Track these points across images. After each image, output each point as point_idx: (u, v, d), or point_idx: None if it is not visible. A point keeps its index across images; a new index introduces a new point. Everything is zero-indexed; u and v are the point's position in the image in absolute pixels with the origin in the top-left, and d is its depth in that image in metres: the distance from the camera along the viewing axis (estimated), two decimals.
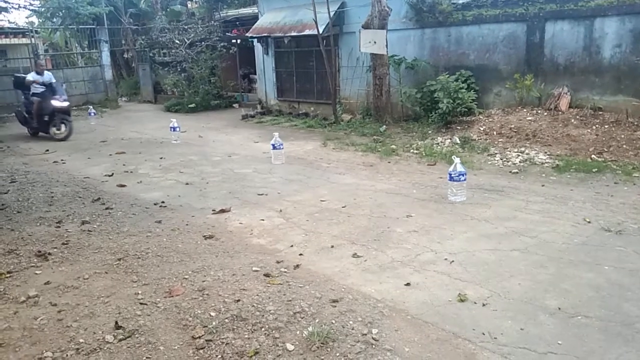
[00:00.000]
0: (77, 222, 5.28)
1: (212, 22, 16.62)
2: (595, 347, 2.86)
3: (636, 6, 7.73)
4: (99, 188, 6.74)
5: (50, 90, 11.12)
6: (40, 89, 11.15)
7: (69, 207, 5.84)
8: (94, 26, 17.49)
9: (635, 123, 7.64)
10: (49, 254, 4.36)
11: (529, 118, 8.50)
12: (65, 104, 11.23)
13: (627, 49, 7.92)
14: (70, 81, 16.44)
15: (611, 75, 8.15)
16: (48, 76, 11.52)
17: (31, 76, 11.34)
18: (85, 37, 18.31)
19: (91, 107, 14.66)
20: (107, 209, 5.74)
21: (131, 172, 7.73)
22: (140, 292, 3.63)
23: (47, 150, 9.75)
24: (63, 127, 11.18)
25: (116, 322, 3.17)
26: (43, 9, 18.90)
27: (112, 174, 7.57)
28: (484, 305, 3.36)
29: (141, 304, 3.45)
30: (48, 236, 4.82)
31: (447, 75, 9.22)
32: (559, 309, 3.28)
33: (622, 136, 7.39)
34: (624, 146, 7.16)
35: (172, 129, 10.38)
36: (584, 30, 8.31)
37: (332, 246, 4.50)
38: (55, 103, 10.94)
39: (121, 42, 20.32)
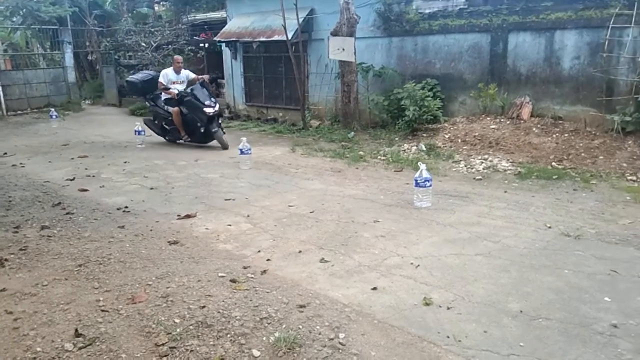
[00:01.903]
0: (36, 227, 5.11)
1: (180, 25, 16.43)
2: (555, 348, 2.94)
3: (593, 20, 8.05)
4: (59, 192, 6.54)
5: (193, 94, 9.32)
6: (176, 91, 9.44)
7: (28, 211, 5.65)
8: (56, 27, 17.03)
9: (593, 132, 7.92)
10: (6, 260, 4.20)
11: (493, 126, 8.71)
12: (217, 107, 9.53)
13: (585, 60, 8.22)
14: (32, 83, 15.95)
15: (570, 86, 8.44)
16: (184, 75, 9.76)
17: (166, 78, 9.50)
18: (48, 37, 17.77)
19: (53, 109, 14.22)
20: (68, 213, 5.58)
21: (94, 176, 7.54)
22: (101, 298, 3.53)
23: (5, 153, 9.41)
24: (218, 135, 9.57)
25: (76, 330, 3.08)
26: (2, 7, 18.29)
27: (74, 178, 7.36)
28: (448, 308, 3.41)
29: (102, 311, 3.35)
30: (5, 242, 4.64)
31: (414, 84, 9.37)
32: (521, 311, 3.36)
33: (581, 145, 7.65)
34: (582, 154, 7.42)
35: (137, 133, 10.18)
36: (544, 42, 8.59)
37: (300, 251, 4.49)
38: (208, 110, 9.25)
39: (85, 43, 19.82)
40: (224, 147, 9.44)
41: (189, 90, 9.50)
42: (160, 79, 9.55)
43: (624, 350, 2.90)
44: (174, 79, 9.63)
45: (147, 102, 10.36)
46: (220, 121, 9.74)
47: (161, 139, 10.53)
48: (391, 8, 10.36)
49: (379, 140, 9.59)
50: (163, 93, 9.76)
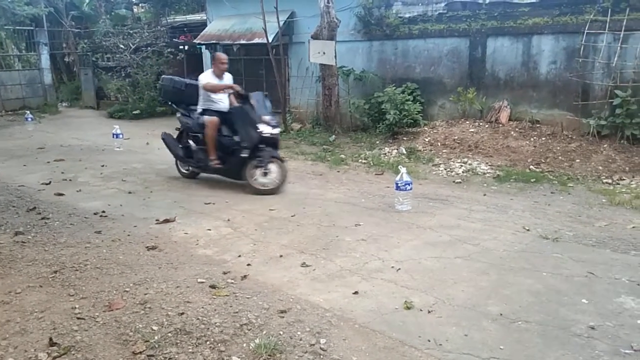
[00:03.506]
0: (9, 232, 4.98)
1: (159, 27, 16.24)
2: (534, 351, 2.96)
3: (568, 26, 8.20)
4: (34, 197, 6.40)
5: (245, 102, 6.58)
6: (221, 103, 6.86)
7: (1, 217, 5.50)
8: (32, 28, 16.71)
9: (570, 136, 8.06)
10: None
11: (472, 130, 8.80)
12: (277, 130, 6.67)
13: (561, 65, 8.36)
14: (6, 85, 15.64)
15: (547, 90, 8.57)
16: (229, 80, 7.15)
17: (208, 78, 6.82)
18: (23, 38, 17.43)
19: (28, 112, 13.92)
20: (43, 218, 5.46)
21: (70, 180, 7.39)
22: (77, 306, 3.45)
23: None
24: (274, 169, 6.53)
25: (50, 339, 3.00)
26: None
27: (50, 182, 7.21)
28: (429, 312, 3.42)
29: (78, 318, 3.28)
30: None
31: (394, 88, 9.41)
32: (501, 314, 3.38)
33: (558, 148, 7.77)
34: (560, 157, 7.54)
35: (115, 136, 10.03)
36: (522, 46, 8.72)
37: (281, 256, 4.46)
38: (264, 128, 6.41)
39: (62, 45, 19.50)
40: (266, 191, 6.52)
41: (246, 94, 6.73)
42: (207, 81, 6.78)
43: (601, 351, 2.94)
44: (218, 85, 6.90)
45: (178, 112, 7.50)
46: (277, 154, 6.65)
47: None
48: (371, 12, 10.41)
49: (360, 144, 9.60)
50: (203, 101, 6.92)
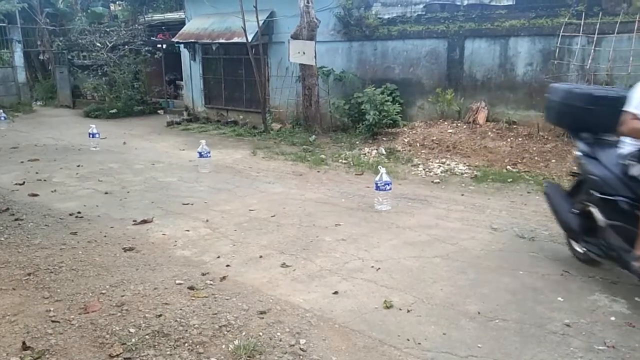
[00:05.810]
0: None
1: (137, 25, 16.04)
2: (512, 348, 3.00)
3: (544, 28, 8.35)
4: (8, 198, 6.25)
5: None
6: None
7: None
8: (4, 24, 16.33)
9: (545, 136, 8.20)
10: None
11: (450, 131, 8.89)
12: None
13: (537, 67, 8.51)
14: None
15: (524, 92, 8.71)
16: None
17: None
18: None
19: (1, 111, 13.58)
20: (16, 220, 5.33)
21: (45, 180, 7.24)
22: (52, 309, 3.38)
23: None
24: None
25: (24, 343, 2.93)
26: None
27: (24, 182, 7.05)
28: (408, 311, 3.44)
29: (53, 321, 3.21)
30: None
31: (374, 88, 9.45)
32: (479, 313, 3.42)
33: (534, 148, 7.90)
34: (536, 158, 7.66)
35: (91, 135, 9.86)
36: (499, 48, 8.84)
37: (261, 256, 4.43)
38: None
39: (36, 42, 19.09)
40: None
41: None
42: (634, 109, 3.38)
43: (576, 348, 3.00)
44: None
45: (579, 147, 4.17)
46: None
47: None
48: (351, 13, 10.44)
49: (340, 144, 9.62)
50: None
